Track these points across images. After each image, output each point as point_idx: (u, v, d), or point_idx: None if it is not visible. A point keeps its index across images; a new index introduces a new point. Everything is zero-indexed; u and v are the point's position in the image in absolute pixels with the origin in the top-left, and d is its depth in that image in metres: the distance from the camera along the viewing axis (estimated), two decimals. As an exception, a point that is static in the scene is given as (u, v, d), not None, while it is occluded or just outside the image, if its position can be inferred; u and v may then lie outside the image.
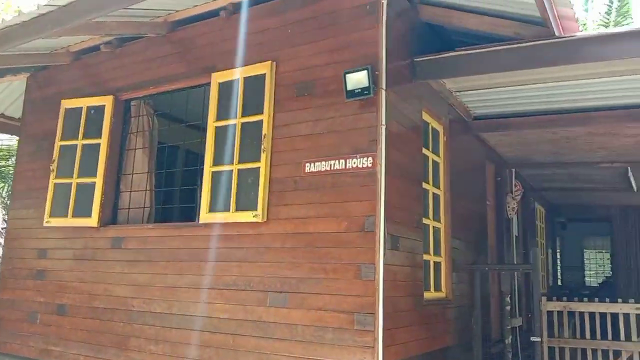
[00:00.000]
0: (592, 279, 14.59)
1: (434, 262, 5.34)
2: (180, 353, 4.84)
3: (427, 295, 4.96)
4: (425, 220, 5.11)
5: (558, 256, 14.07)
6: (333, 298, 4.13)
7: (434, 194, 5.45)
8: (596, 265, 14.95)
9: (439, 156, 5.64)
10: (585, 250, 14.82)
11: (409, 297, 4.54)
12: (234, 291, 4.62)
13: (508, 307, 5.91)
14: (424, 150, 5.19)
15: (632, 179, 8.35)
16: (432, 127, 5.53)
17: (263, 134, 4.71)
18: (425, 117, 5.31)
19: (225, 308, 4.64)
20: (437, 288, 5.38)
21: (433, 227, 5.39)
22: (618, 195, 10.55)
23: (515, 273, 7.78)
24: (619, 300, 5.40)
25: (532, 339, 5.65)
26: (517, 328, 7.52)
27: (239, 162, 4.84)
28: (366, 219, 4.12)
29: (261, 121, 4.74)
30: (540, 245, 10.90)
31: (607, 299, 5.47)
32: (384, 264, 4.05)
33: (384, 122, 4.19)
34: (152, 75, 5.78)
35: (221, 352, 4.60)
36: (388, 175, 4.20)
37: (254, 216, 4.60)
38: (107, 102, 5.99)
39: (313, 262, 4.28)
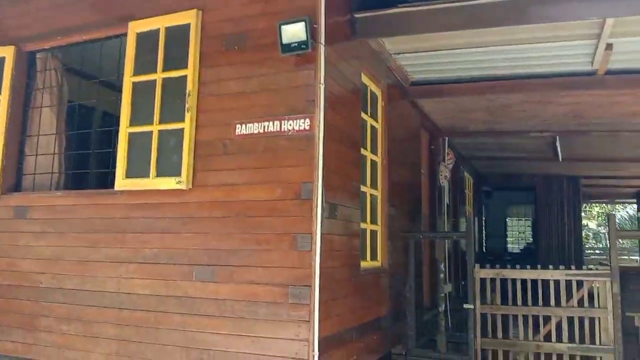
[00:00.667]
0: (514, 246, 15.24)
1: (370, 230, 5.15)
2: (95, 332, 4.39)
3: (363, 264, 4.77)
4: (362, 188, 4.88)
5: (483, 224, 14.53)
6: (266, 271, 3.82)
7: (372, 160, 5.21)
8: (518, 232, 15.62)
9: (377, 121, 5.40)
10: (508, 218, 15.40)
11: (346, 268, 4.31)
12: (155, 265, 4.20)
13: (442, 275, 5.86)
14: (363, 115, 4.92)
15: (559, 148, 8.55)
16: (370, 90, 5.26)
17: (187, 91, 4.24)
18: (365, 79, 5.03)
19: (146, 283, 4.22)
20: (373, 257, 5.20)
21: (370, 194, 5.18)
22: (543, 164, 10.88)
23: (447, 240, 7.81)
24: (550, 267, 5.47)
25: (466, 306, 5.64)
26: (448, 294, 7.60)
27: (160, 123, 4.36)
28: (303, 186, 3.81)
29: (185, 77, 4.27)
30: (469, 213, 11.11)
31: (539, 266, 5.52)
32: (321, 234, 3.77)
33: (322, 81, 3.86)
34: (61, 23, 5.10)
35: (141, 330, 4.20)
36: (326, 139, 3.89)
37: (177, 182, 4.17)
38: (7, 53, 5.25)
39: (244, 232, 3.93)
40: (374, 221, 5.25)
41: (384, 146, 5.44)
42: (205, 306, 3.99)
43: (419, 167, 7.05)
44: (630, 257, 17.03)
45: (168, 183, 4.20)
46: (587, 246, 19.69)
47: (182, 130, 4.23)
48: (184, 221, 4.17)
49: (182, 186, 4.15)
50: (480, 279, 5.62)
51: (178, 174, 4.19)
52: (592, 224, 27.31)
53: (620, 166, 10.68)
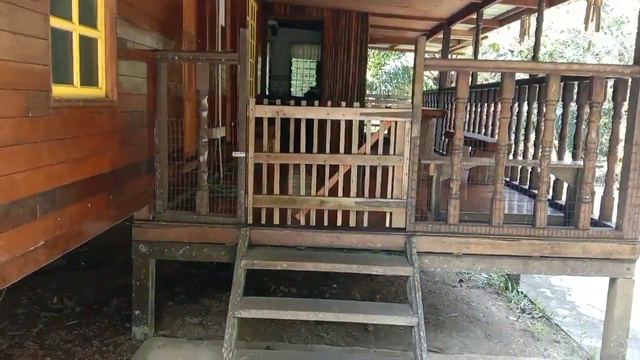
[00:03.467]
0: (298, 89, 14.34)
1: (81, 36, 3.13)
2: None
3: (62, 90, 2.84)
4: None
5: (267, 64, 13.14)
6: None
7: None
8: (303, 75, 14.68)
9: None
10: (294, 58, 14.23)
11: (13, 94, 2.35)
12: None
13: (205, 113, 4.24)
14: None
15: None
16: None
17: None
18: None
19: None
20: (89, 81, 3.27)
21: (79, -27, 3.07)
22: (334, -6, 9.55)
23: (219, 69, 6.13)
24: (343, 104, 4.24)
25: (235, 154, 4.22)
26: (220, 141, 6.12)
27: None
28: None
29: None
30: (252, 47, 9.45)
31: (329, 102, 4.25)
32: None
33: None
34: None
35: None
36: None
37: None
38: None
39: None
40: (87, 22, 3.21)
41: None
42: None
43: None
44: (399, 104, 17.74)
45: None
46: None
47: None
48: None
49: None
50: (256, 118, 4.17)
51: None
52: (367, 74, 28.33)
53: (409, 3, 9.95)
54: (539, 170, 4.27)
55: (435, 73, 20.14)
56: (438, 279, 6.70)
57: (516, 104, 6.40)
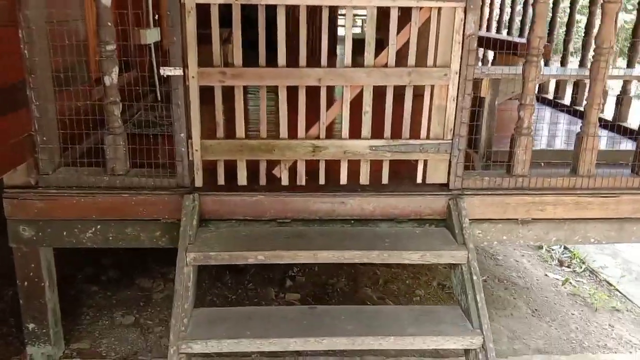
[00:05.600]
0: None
1: None
2: None
3: None
4: None
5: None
6: None
7: None
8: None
9: None
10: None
11: None
12: None
13: (106, 6, 2.37)
14: None
15: None
16: None
17: None
18: None
19: None
20: None
21: None
22: None
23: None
24: (348, -23, 2.45)
25: (165, 71, 2.46)
26: (154, 48, 4.23)
27: None
28: None
29: None
30: None
31: (325, -24, 2.46)
32: None
33: None
34: None
35: None
36: None
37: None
38: None
39: None
40: None
41: None
42: None
43: None
44: None
45: None
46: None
47: None
48: None
49: None
50: (199, 6, 2.37)
51: None
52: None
53: None
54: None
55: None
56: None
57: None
